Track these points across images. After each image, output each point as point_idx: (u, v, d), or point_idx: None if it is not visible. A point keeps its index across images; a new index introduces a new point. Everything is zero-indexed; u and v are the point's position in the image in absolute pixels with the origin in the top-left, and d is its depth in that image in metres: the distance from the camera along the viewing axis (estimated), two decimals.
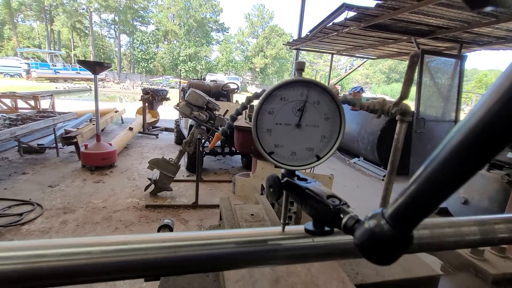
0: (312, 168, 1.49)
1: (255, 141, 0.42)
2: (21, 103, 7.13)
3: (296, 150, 0.43)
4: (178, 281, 0.71)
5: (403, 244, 0.26)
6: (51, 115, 5.34)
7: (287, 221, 0.43)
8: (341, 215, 0.35)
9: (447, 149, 0.22)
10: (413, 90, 4.96)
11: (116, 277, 0.35)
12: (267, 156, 0.42)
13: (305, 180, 0.43)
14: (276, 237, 0.40)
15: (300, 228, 0.41)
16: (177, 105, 3.69)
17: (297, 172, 0.45)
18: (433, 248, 0.50)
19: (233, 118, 0.68)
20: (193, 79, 7.94)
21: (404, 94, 0.92)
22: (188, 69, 41.32)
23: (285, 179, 0.44)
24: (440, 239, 0.49)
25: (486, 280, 0.71)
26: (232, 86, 6.21)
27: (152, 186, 3.61)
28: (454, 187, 0.23)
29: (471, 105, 32.48)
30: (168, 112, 8.40)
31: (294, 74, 0.43)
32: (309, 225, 0.40)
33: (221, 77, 28.93)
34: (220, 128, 0.81)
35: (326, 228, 0.39)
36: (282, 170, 0.45)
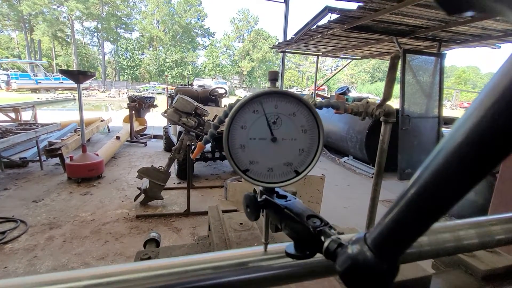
0: None
1: (228, 158, 0.39)
2: (0, 116, 6.87)
3: (273, 166, 0.41)
4: None
5: (387, 276, 0.24)
6: (33, 127, 5.16)
7: (269, 240, 0.41)
8: (322, 238, 0.33)
9: (433, 168, 0.20)
10: (397, 88, 5.08)
11: None
12: (242, 174, 0.39)
13: (284, 197, 0.40)
14: (258, 258, 0.37)
15: (283, 246, 0.38)
16: (165, 112, 3.63)
17: (277, 189, 0.42)
18: (434, 255, 0.48)
19: (216, 127, 0.67)
20: (180, 85, 7.87)
21: (387, 95, 0.93)
22: (175, 75, 40.97)
23: (264, 196, 0.41)
24: (440, 245, 0.48)
25: (476, 276, 0.72)
26: (220, 90, 6.18)
27: (142, 196, 3.53)
28: (443, 210, 0.20)
29: (452, 101, 33.63)
30: (156, 119, 8.28)
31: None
32: (290, 248, 0.37)
33: (208, 82, 28.84)
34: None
35: (308, 252, 0.36)
36: (260, 187, 0.42)
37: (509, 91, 0.16)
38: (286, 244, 0.38)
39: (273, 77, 0.40)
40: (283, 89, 0.41)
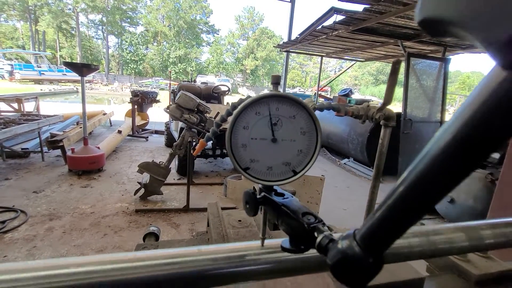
0: None
1: (230, 156, 0.41)
2: (3, 106, 6.90)
3: (273, 165, 0.43)
4: None
5: (372, 268, 0.26)
6: (36, 118, 5.18)
7: (266, 235, 0.43)
8: (316, 234, 0.35)
9: (418, 169, 0.21)
10: (401, 92, 5.07)
11: None
12: (242, 172, 0.41)
13: (282, 195, 0.42)
14: (255, 252, 0.39)
15: (279, 241, 0.40)
16: (168, 107, 3.65)
17: (275, 187, 0.44)
18: (424, 256, 0.50)
19: (218, 125, 0.68)
20: (183, 81, 7.88)
21: (388, 100, 0.94)
22: (178, 70, 40.96)
23: (262, 194, 0.43)
24: (430, 246, 0.50)
25: (469, 281, 0.73)
26: (223, 88, 6.18)
27: (142, 190, 3.55)
28: (425, 208, 0.22)
29: (455, 106, 33.48)
30: (158, 115, 8.30)
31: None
32: (286, 242, 0.39)
33: (211, 79, 28.79)
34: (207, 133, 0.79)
35: (303, 246, 0.38)
36: (259, 185, 0.44)
37: (491, 96, 0.17)
38: (282, 240, 0.40)
39: (276, 81, 0.42)
40: (285, 91, 0.42)
